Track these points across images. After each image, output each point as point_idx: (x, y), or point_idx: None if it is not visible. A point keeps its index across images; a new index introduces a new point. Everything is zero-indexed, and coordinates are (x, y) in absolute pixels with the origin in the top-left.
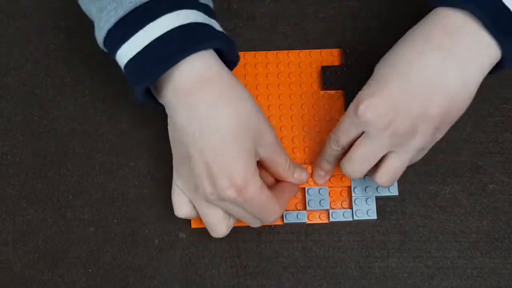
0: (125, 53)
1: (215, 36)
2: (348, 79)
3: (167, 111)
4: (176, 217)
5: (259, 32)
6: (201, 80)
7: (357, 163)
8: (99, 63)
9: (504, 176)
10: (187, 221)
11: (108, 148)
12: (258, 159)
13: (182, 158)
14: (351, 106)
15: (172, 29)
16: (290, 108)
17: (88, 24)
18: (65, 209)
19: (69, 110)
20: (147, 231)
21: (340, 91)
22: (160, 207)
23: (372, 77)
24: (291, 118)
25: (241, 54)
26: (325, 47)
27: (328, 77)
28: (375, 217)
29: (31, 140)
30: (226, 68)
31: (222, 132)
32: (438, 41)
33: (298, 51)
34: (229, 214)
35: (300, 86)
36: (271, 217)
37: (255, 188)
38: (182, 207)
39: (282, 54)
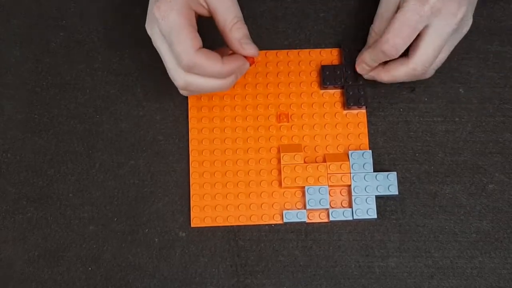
0: None
1: None
2: (348, 78)
3: None
4: (176, 216)
5: (260, 31)
6: None
7: (397, 33)
8: (99, 62)
9: (504, 176)
10: (187, 221)
11: (108, 146)
12: (205, 12)
13: None
14: None
15: None
16: (290, 107)
17: (88, 23)
18: (65, 207)
19: (70, 109)
20: (147, 230)
21: (339, 90)
22: (160, 206)
23: None
24: (291, 117)
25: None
26: (326, 46)
27: (328, 76)
28: (375, 216)
29: (32, 138)
30: None
31: None
32: None
33: (297, 50)
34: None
35: (300, 85)
36: (183, 49)
37: (173, 6)
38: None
39: (282, 53)
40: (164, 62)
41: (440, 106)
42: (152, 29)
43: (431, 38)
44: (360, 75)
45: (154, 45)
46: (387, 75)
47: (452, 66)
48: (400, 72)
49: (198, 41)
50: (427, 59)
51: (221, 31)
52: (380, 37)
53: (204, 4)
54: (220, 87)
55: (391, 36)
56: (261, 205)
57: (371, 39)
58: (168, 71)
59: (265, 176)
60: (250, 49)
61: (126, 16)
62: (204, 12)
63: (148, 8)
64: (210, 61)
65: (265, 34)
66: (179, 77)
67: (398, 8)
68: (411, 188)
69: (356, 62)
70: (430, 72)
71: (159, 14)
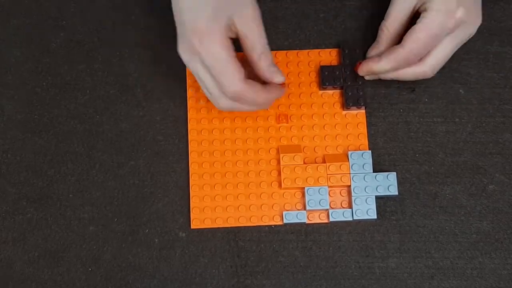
0: None
1: None
2: (347, 79)
3: None
4: (176, 216)
5: None
6: None
7: (422, 45)
8: (99, 62)
9: (504, 176)
10: (187, 221)
11: (108, 147)
12: (234, 35)
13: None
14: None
15: None
16: (289, 107)
17: (88, 23)
18: (65, 207)
19: (70, 109)
20: (147, 230)
21: (338, 90)
22: (160, 206)
23: None
24: (290, 117)
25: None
26: (326, 46)
27: (327, 77)
28: (375, 217)
29: (32, 138)
30: None
31: None
32: None
33: (296, 51)
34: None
35: (299, 86)
36: (230, 81)
37: (216, 39)
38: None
39: (281, 54)
40: (204, 88)
41: (440, 107)
42: (191, 59)
43: (447, 45)
44: (360, 76)
45: (193, 73)
46: (393, 75)
47: (452, 67)
48: (407, 74)
49: (242, 72)
50: (438, 63)
51: (249, 56)
52: (401, 47)
53: (234, 30)
54: (260, 108)
55: (415, 46)
56: (261, 206)
57: (383, 36)
58: (209, 96)
59: (264, 177)
60: (278, 78)
61: (126, 16)
62: (234, 36)
63: (179, 31)
64: (256, 93)
65: (266, 34)
66: (223, 103)
67: (415, 12)
68: (411, 189)
69: (362, 67)
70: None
71: (202, 47)
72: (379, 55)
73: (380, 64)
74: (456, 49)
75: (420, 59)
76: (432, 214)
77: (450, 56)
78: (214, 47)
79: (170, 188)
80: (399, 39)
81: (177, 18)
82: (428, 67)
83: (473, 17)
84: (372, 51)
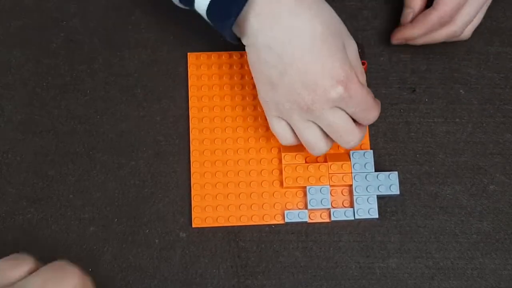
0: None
1: None
2: None
3: (248, 49)
4: (176, 216)
5: None
6: None
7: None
8: (99, 63)
9: (504, 177)
10: (188, 221)
11: (108, 147)
12: None
13: (272, 84)
14: None
15: None
16: None
17: (88, 23)
18: (66, 208)
19: (70, 109)
20: (147, 231)
21: None
22: (160, 206)
23: None
24: None
25: (241, 54)
26: None
27: None
28: (377, 216)
29: (32, 139)
30: None
31: (310, 34)
32: None
33: None
34: (326, 130)
35: None
36: (374, 114)
37: (357, 81)
38: (284, 134)
39: None
40: (339, 136)
41: (440, 107)
42: (328, 111)
43: (473, 1)
44: None
45: (325, 124)
46: (426, 38)
47: (452, 67)
48: (441, 35)
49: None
50: (469, 19)
51: None
52: (434, 10)
53: None
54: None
55: (447, 8)
56: (263, 205)
57: (408, 15)
58: (340, 138)
59: (266, 176)
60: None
61: (126, 16)
62: None
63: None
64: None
65: None
66: (356, 138)
67: None
68: (411, 189)
69: (396, 35)
70: (467, 34)
71: (348, 93)
72: (411, 22)
73: (414, 30)
74: (482, 5)
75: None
76: (432, 214)
77: (477, 12)
78: (358, 89)
79: (171, 189)
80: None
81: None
82: (458, 26)
83: None
84: (406, 18)
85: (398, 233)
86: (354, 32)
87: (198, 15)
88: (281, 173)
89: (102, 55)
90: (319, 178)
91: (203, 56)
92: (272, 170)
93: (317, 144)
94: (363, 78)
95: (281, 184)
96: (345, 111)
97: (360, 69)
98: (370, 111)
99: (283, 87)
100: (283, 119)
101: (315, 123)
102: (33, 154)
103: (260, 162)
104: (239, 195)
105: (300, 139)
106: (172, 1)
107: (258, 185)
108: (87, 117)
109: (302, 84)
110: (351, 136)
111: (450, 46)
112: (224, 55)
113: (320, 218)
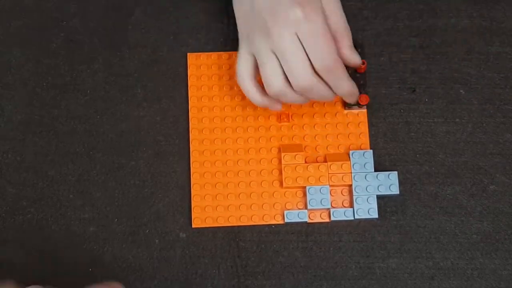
0: None
1: None
2: None
3: None
4: (176, 217)
5: None
6: None
7: None
8: (99, 63)
9: (505, 177)
10: (188, 221)
11: (108, 147)
12: None
13: (246, 17)
14: None
15: None
16: (290, 107)
17: (88, 23)
18: (66, 208)
19: (70, 109)
20: (147, 231)
21: None
22: (160, 206)
23: None
24: (291, 117)
25: None
26: None
27: None
28: (377, 216)
29: (32, 139)
30: None
31: None
32: None
33: None
34: (281, 60)
35: None
36: (330, 51)
37: (318, 8)
38: (247, 67)
39: None
40: (288, 66)
41: (440, 107)
42: (285, 32)
43: None
44: (360, 74)
45: (279, 50)
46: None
47: (452, 67)
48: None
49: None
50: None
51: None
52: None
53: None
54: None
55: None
56: (262, 205)
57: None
58: (290, 73)
59: (266, 176)
60: (356, 58)
61: (126, 16)
62: None
63: (264, 6)
64: (345, 73)
65: None
66: (304, 80)
67: None
68: (411, 189)
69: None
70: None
71: (305, 17)
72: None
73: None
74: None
75: None
76: (432, 214)
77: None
78: (318, 15)
79: (171, 189)
80: None
81: None
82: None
83: None
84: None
85: (398, 233)
86: (354, 32)
87: (198, 14)
88: (280, 173)
89: (102, 55)
90: (319, 178)
91: (203, 56)
92: (272, 170)
93: (273, 79)
94: (349, 42)
95: (281, 184)
96: (303, 46)
97: (346, 31)
98: (325, 50)
99: (253, 17)
100: (253, 55)
101: (277, 58)
102: (33, 154)
103: (260, 162)
104: (239, 195)
105: (261, 73)
106: None
107: (258, 185)
108: (87, 117)
109: (267, 9)
110: (302, 71)
111: (450, 46)
112: (224, 55)
113: (320, 218)
